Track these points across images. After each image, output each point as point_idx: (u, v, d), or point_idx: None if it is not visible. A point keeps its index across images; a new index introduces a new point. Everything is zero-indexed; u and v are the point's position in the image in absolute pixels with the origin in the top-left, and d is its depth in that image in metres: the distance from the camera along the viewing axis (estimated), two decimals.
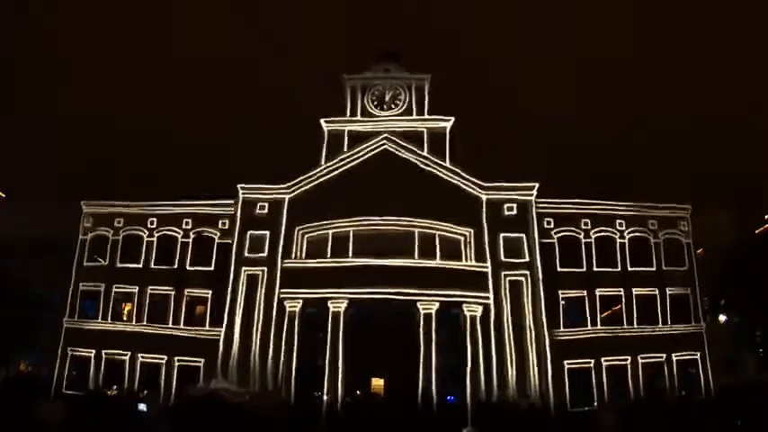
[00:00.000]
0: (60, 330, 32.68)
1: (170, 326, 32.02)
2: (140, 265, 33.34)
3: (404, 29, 79.08)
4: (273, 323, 30.22)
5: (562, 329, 31.02)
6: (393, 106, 34.91)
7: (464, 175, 32.47)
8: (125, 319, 33.04)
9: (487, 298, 30.35)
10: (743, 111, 65.76)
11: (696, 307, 32.86)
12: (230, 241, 32.23)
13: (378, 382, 31.79)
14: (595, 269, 32.56)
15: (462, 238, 31.73)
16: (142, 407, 25.74)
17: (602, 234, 33.23)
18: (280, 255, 31.38)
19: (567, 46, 76.21)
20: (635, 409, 27.13)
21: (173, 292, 32.46)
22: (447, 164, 32.85)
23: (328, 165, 33.01)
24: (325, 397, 28.47)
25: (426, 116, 34.46)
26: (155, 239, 33.78)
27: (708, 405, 28.14)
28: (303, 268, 31.18)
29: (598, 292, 32.12)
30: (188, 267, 33.03)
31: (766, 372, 35.35)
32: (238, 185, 32.75)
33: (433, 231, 31.35)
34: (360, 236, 31.09)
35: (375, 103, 35.07)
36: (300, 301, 30.41)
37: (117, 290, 33.09)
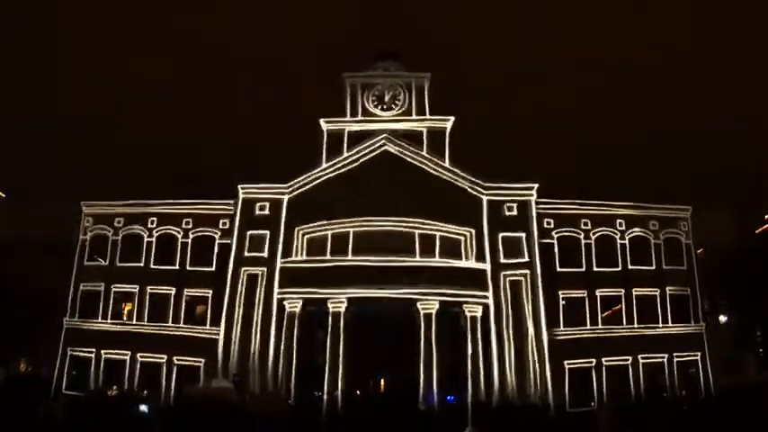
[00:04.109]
0: (60, 330, 32.69)
1: (170, 326, 32.02)
2: (140, 265, 33.35)
3: (404, 29, 79.11)
4: (273, 323, 30.24)
5: (562, 329, 31.05)
6: (393, 106, 34.92)
7: (464, 175, 32.48)
8: (125, 319, 33.05)
9: (487, 298, 30.36)
10: (743, 110, 65.75)
11: (696, 307, 32.92)
12: (230, 241, 32.24)
13: (378, 382, 31.78)
14: (595, 269, 32.60)
15: (462, 238, 31.73)
16: (143, 407, 25.71)
17: (602, 234, 33.25)
18: (279, 255, 31.38)
19: (568, 46, 76.19)
20: (634, 408, 27.15)
21: (173, 292, 32.47)
22: (447, 164, 32.86)
23: (328, 165, 33.01)
24: (325, 397, 28.47)
25: (426, 116, 34.48)
26: (155, 239, 33.79)
27: (708, 405, 28.13)
28: (303, 268, 31.17)
29: (598, 292, 32.14)
30: (188, 267, 33.03)
31: (766, 372, 35.29)
32: (238, 185, 32.75)
33: (434, 231, 31.36)
34: (360, 236, 31.09)
35: (375, 102, 35.08)
36: (300, 300, 30.41)
37: (117, 290, 33.10)
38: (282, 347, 29.77)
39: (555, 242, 32.60)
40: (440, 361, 29.10)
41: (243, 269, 31.35)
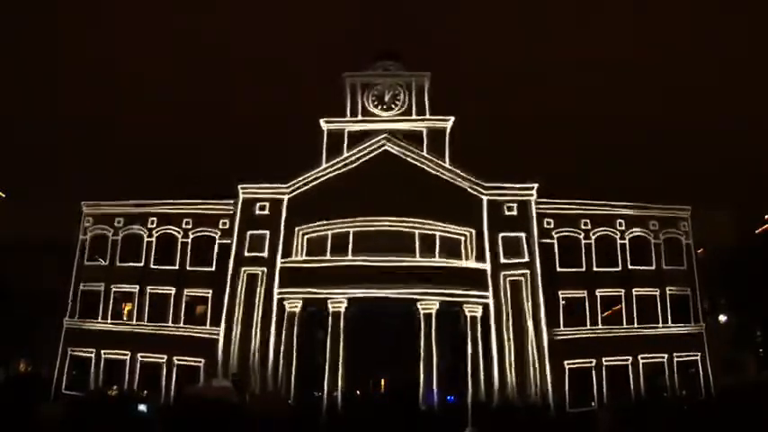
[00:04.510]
0: (60, 330, 32.68)
1: (170, 326, 32.02)
2: (140, 265, 33.34)
3: (404, 29, 79.12)
4: (273, 323, 30.23)
5: (562, 329, 31.05)
6: (393, 106, 34.91)
7: (464, 175, 32.47)
8: (125, 319, 33.04)
9: (487, 298, 30.36)
10: (743, 110, 65.76)
11: (696, 307, 32.92)
12: (230, 241, 32.23)
13: (378, 382, 31.79)
14: (595, 269, 32.59)
15: (462, 238, 31.73)
16: (141, 407, 25.70)
17: (602, 234, 33.24)
18: (279, 254, 31.36)
19: (568, 46, 76.20)
20: (633, 408, 27.14)
21: (173, 292, 32.47)
22: (447, 164, 32.86)
23: (328, 165, 32.99)
24: (325, 397, 28.47)
25: (426, 116, 34.46)
26: (155, 239, 33.79)
27: (708, 405, 28.12)
28: (303, 268, 31.14)
29: (598, 292, 32.14)
30: (188, 267, 33.01)
31: (766, 372, 35.30)
32: (238, 185, 32.74)
33: (434, 231, 31.35)
34: (359, 235, 31.07)
35: (375, 102, 35.06)
36: (300, 300, 30.41)
37: (117, 290, 33.10)
38: (282, 347, 29.75)
39: (555, 242, 32.59)
40: (440, 361, 29.09)
41: (243, 269, 31.34)
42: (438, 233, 31.38)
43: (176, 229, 33.71)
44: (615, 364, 31.03)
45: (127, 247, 33.85)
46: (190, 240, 33.46)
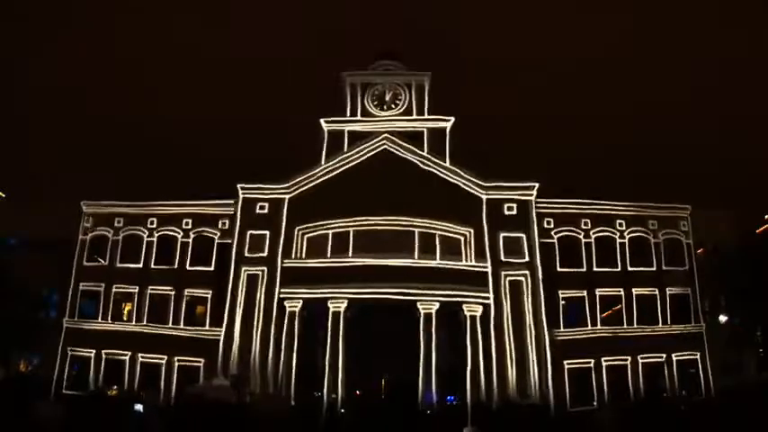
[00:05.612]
0: (60, 330, 32.71)
1: (170, 326, 32.06)
2: (140, 265, 33.36)
3: (404, 29, 79.09)
4: (273, 323, 30.24)
5: (562, 329, 31.07)
6: (393, 106, 34.90)
7: (464, 174, 32.49)
8: (125, 319, 33.05)
9: (487, 298, 30.36)
10: (743, 110, 65.77)
11: (696, 307, 32.95)
12: (230, 241, 32.24)
13: (378, 382, 31.78)
14: (595, 269, 32.62)
15: (462, 238, 31.74)
16: (138, 406, 25.67)
17: (602, 234, 33.26)
18: (280, 254, 31.39)
19: (568, 46, 76.21)
20: (634, 408, 27.13)
21: (173, 292, 32.50)
22: (447, 163, 32.86)
23: (328, 164, 33.02)
24: (325, 397, 28.46)
25: (426, 116, 34.46)
26: (155, 239, 33.81)
27: (708, 405, 28.12)
28: (303, 268, 31.18)
29: (598, 292, 32.17)
30: (188, 267, 33.06)
31: (766, 372, 35.28)
32: (238, 185, 32.75)
33: (433, 231, 31.38)
34: (360, 235, 31.11)
35: (375, 102, 35.06)
36: (300, 300, 30.42)
37: (117, 290, 33.12)
38: (283, 347, 29.76)
39: (555, 242, 32.60)
40: (440, 361, 29.09)
41: (243, 269, 31.35)
42: (438, 233, 31.41)
43: (176, 229, 33.74)
44: (615, 364, 31.03)
45: (127, 248, 33.88)
46: (190, 240, 33.48)
